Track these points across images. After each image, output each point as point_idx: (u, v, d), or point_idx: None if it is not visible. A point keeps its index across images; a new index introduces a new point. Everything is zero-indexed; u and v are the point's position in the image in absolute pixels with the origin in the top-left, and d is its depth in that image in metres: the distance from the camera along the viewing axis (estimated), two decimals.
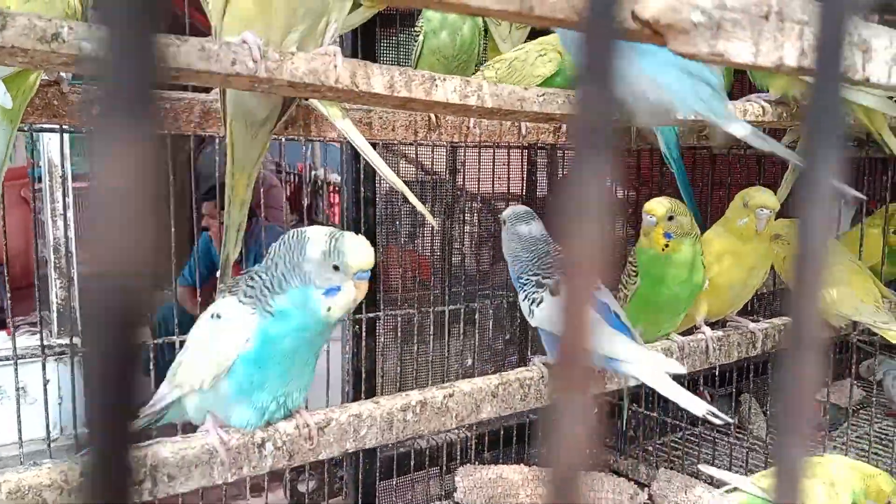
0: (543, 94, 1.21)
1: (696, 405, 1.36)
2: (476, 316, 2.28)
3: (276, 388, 1.20)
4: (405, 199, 2.34)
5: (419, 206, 1.38)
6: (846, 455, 2.23)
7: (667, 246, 1.64)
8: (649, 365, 1.40)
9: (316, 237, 1.16)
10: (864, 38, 0.90)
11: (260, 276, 1.18)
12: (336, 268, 1.14)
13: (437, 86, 1.09)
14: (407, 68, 1.08)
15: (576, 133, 0.20)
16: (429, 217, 1.43)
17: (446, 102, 1.11)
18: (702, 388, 2.65)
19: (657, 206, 1.64)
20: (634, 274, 1.71)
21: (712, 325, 1.85)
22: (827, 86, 0.21)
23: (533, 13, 0.66)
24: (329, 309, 1.15)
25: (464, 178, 2.34)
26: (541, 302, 1.49)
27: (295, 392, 1.23)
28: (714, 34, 0.77)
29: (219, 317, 1.19)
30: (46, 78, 1.25)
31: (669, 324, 1.73)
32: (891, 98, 1.67)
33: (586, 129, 0.20)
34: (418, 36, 1.76)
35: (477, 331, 2.32)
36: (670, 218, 1.63)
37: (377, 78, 1.03)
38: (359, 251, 1.15)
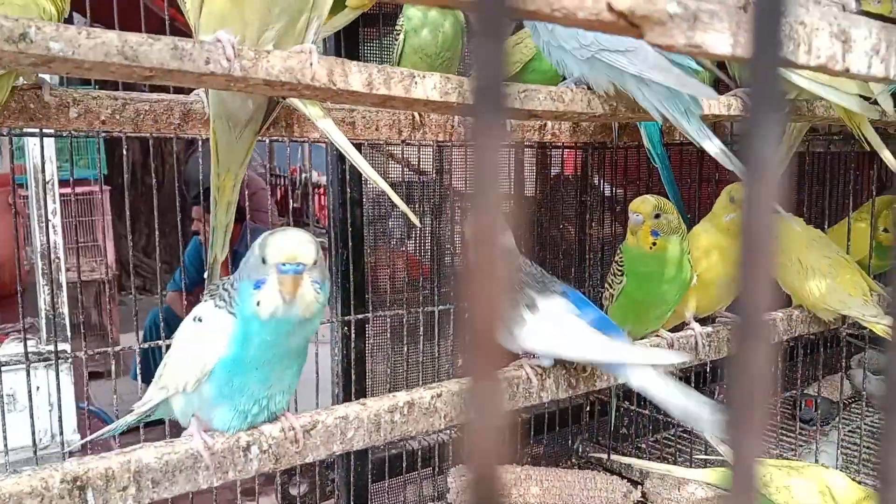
0: (525, 91, 1.20)
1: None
2: (466, 316, 2.26)
3: (257, 391, 1.18)
4: (391, 201, 2.33)
5: (403, 207, 1.36)
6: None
7: (654, 244, 1.62)
8: (650, 368, 1.38)
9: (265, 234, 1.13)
10: (843, 29, 0.89)
11: (231, 279, 1.18)
12: (264, 261, 1.09)
13: (416, 83, 1.08)
14: (385, 66, 1.07)
15: (473, 93, 0.20)
16: (412, 217, 1.42)
17: (427, 100, 1.10)
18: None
19: (644, 204, 1.63)
20: (620, 273, 1.70)
21: (701, 321, 1.84)
22: (765, 65, 0.21)
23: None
24: (258, 303, 1.10)
25: (451, 178, 2.33)
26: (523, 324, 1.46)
27: (277, 395, 1.21)
28: (691, 25, 0.77)
29: (200, 320, 1.19)
30: (25, 82, 1.24)
31: (657, 321, 1.72)
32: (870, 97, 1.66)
33: (484, 89, 0.19)
34: (398, 35, 1.75)
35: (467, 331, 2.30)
36: (657, 216, 1.62)
37: (355, 76, 1.02)
38: (282, 242, 1.09)
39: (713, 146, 1.38)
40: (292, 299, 1.09)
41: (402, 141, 1.75)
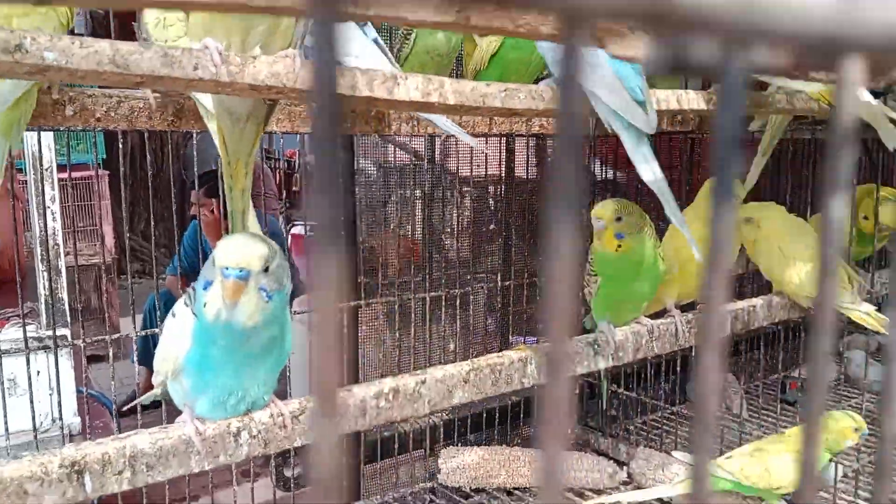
0: (505, 90, 1.24)
1: None
2: (457, 302, 2.32)
3: (230, 384, 1.20)
4: (387, 186, 2.37)
5: None
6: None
7: (620, 246, 1.64)
8: None
9: None
10: None
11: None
12: (214, 262, 1.11)
13: (399, 84, 1.12)
14: (368, 68, 1.11)
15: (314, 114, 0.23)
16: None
17: (409, 101, 1.14)
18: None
19: (604, 210, 1.64)
20: (594, 273, 1.73)
21: (683, 309, 1.88)
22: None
23: (470, 23, 0.69)
24: (204, 305, 1.11)
25: (443, 164, 2.37)
26: None
27: (253, 388, 1.23)
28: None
29: (174, 315, 1.23)
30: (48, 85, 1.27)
31: (636, 311, 1.76)
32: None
33: (320, 105, 0.22)
34: (408, 34, 1.75)
35: (459, 317, 2.36)
36: (618, 219, 1.63)
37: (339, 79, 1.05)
38: (230, 246, 1.10)
39: (650, 174, 1.40)
40: (233, 305, 1.09)
41: (394, 132, 1.79)
